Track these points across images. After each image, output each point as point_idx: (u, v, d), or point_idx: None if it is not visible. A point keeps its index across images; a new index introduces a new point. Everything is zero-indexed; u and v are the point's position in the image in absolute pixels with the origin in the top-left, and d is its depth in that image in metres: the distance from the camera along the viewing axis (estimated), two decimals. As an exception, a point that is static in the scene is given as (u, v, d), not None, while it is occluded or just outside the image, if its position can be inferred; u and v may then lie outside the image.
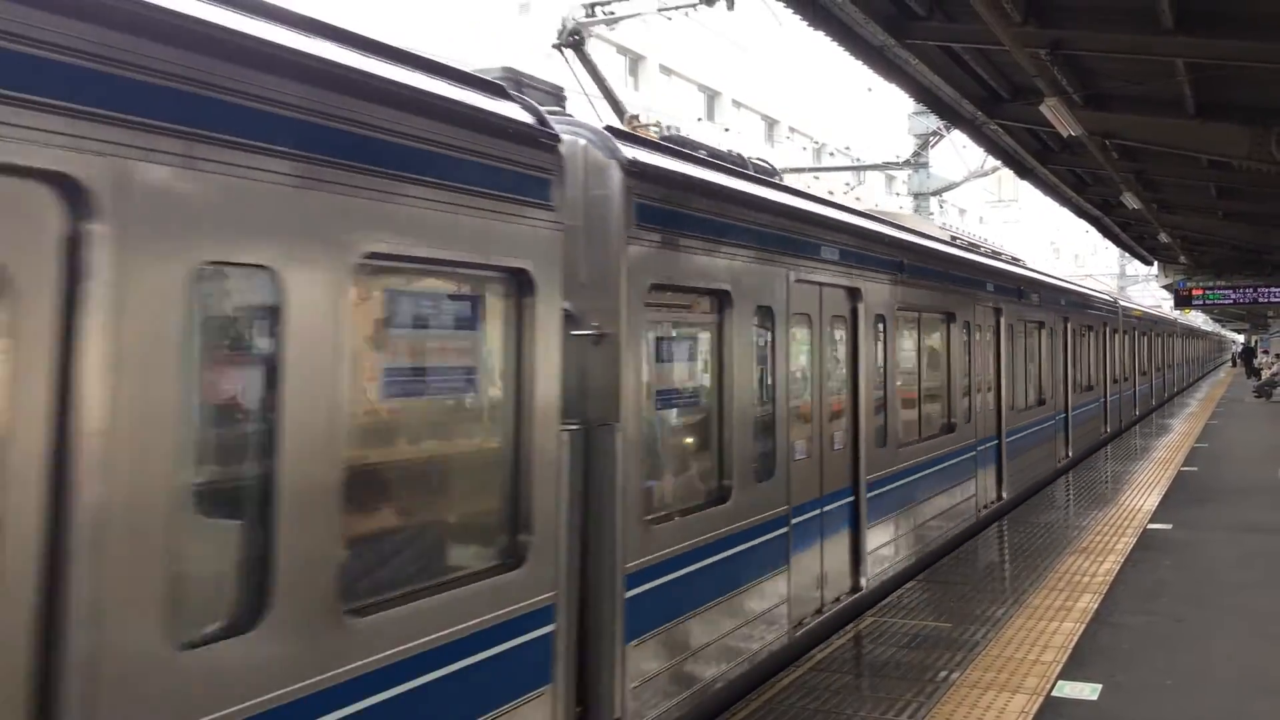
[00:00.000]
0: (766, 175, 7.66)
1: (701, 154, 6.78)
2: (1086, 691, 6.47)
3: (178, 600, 2.92)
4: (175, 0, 3.03)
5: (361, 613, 3.55)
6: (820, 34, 8.60)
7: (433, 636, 3.81)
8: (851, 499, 8.17)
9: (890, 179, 52.00)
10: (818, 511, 7.72)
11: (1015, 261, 15.38)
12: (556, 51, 11.53)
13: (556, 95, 5.79)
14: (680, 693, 5.70)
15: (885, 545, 8.98)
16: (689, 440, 6.45)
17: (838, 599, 8.12)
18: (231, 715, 3.04)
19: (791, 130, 50.61)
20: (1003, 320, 13.18)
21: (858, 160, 35.43)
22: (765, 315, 6.75)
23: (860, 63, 9.40)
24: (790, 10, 8.13)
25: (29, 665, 2.60)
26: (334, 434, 3.43)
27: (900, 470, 9.12)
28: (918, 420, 10.20)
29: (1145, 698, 6.44)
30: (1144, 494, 14.39)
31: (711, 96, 44.74)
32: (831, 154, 46.68)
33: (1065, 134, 10.62)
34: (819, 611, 7.75)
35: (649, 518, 5.45)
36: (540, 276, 4.46)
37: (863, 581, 8.52)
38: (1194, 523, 12.14)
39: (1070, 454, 17.36)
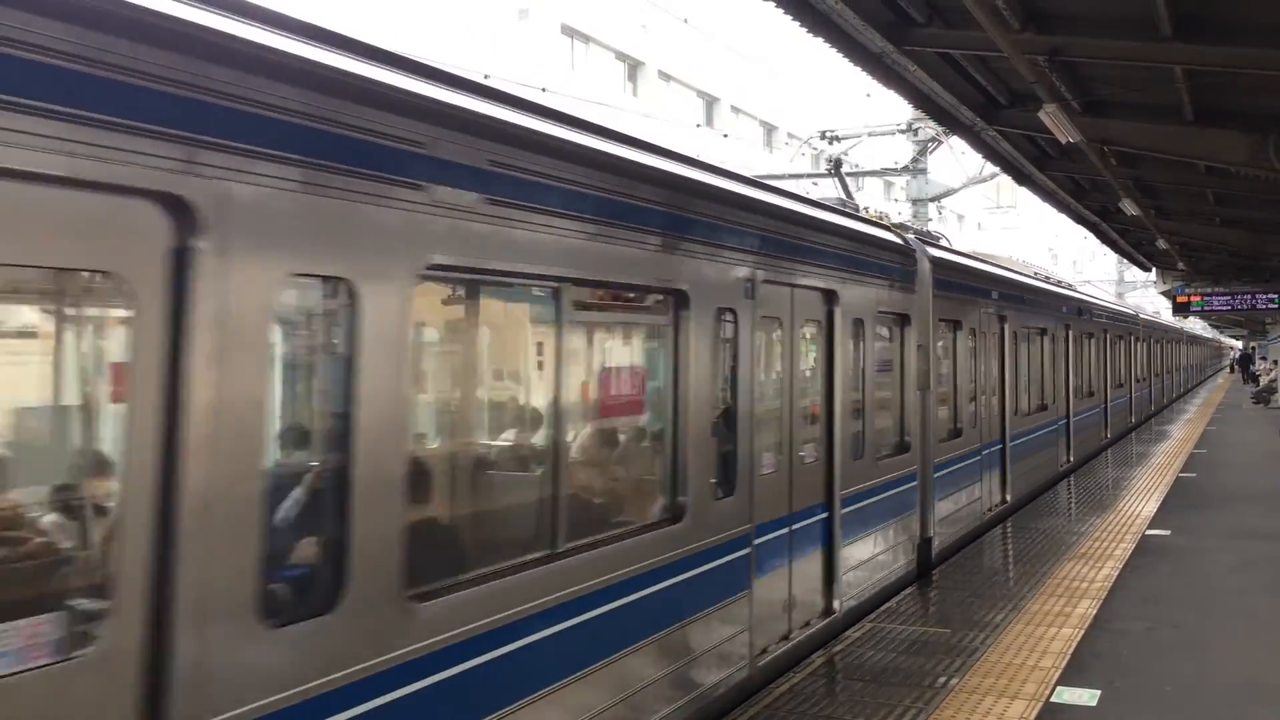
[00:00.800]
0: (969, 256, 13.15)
1: (944, 242, 13.14)
2: (1085, 698, 6.47)
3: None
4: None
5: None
6: (819, 40, 8.61)
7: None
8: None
9: (888, 185, 52.06)
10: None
11: (1063, 284, 21.58)
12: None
13: (902, 227, 11.88)
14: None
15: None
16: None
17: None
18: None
19: (790, 136, 50.65)
20: (1071, 332, 18.11)
21: (856, 167, 35.47)
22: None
23: (859, 69, 9.41)
24: (789, 17, 8.13)
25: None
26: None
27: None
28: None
29: (1144, 704, 6.44)
30: (1143, 500, 14.39)
31: (710, 102, 44.78)
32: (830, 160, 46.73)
33: (1064, 140, 10.63)
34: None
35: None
36: (913, 317, 9.96)
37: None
38: (1193, 529, 12.15)
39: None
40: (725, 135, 42.95)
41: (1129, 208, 15.43)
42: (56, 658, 2.77)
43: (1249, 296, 25.65)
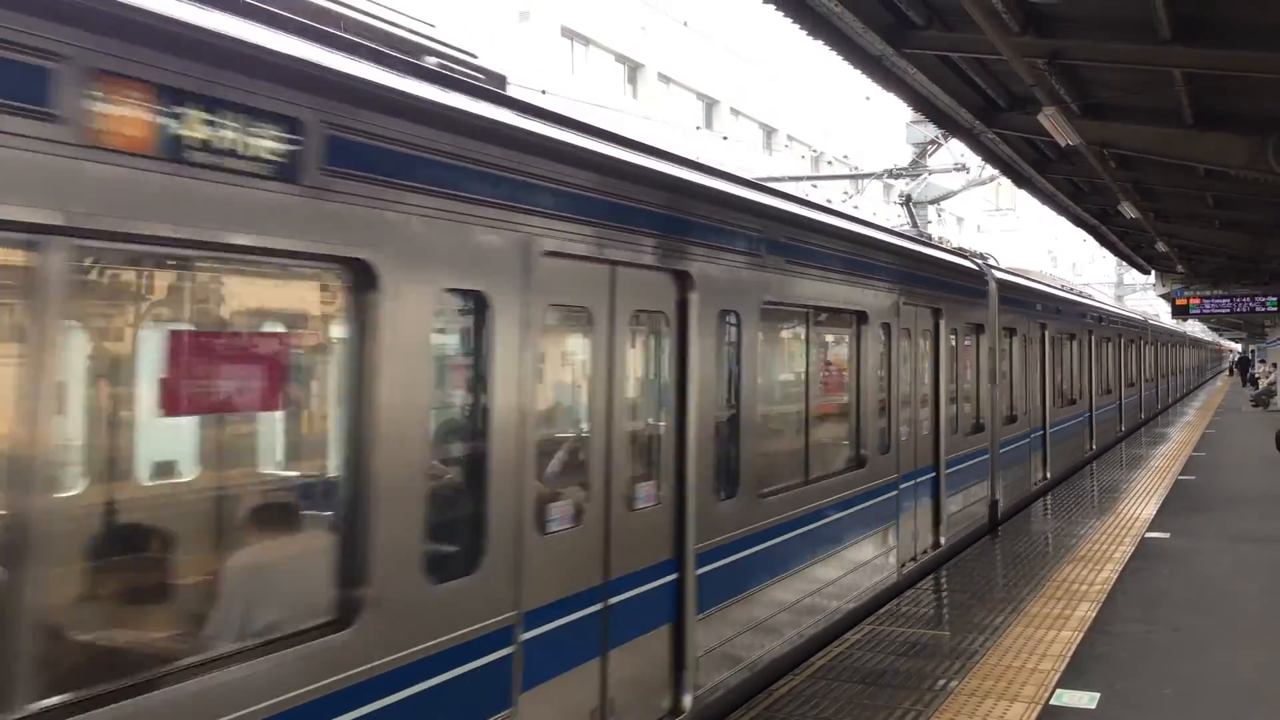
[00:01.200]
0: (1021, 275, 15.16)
1: (990, 260, 14.51)
2: (1085, 700, 6.47)
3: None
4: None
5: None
6: (819, 43, 8.61)
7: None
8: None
9: (888, 188, 52.07)
10: (911, 483, 9.64)
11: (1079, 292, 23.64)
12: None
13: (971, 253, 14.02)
14: None
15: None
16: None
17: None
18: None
19: (790, 139, 50.68)
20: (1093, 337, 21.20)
21: (855, 169, 35.48)
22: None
23: (859, 72, 9.42)
24: (789, 19, 8.13)
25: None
26: None
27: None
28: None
29: (1143, 706, 6.45)
30: (1142, 502, 14.40)
31: (710, 105, 44.80)
32: (829, 162, 46.80)
33: (1063, 143, 10.64)
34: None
35: None
36: (986, 326, 12.49)
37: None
38: (1192, 531, 12.16)
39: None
40: (725, 138, 42.98)
41: (1128, 210, 15.44)
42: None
43: (1248, 299, 25.67)
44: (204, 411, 3.80)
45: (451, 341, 4.58)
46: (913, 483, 9.84)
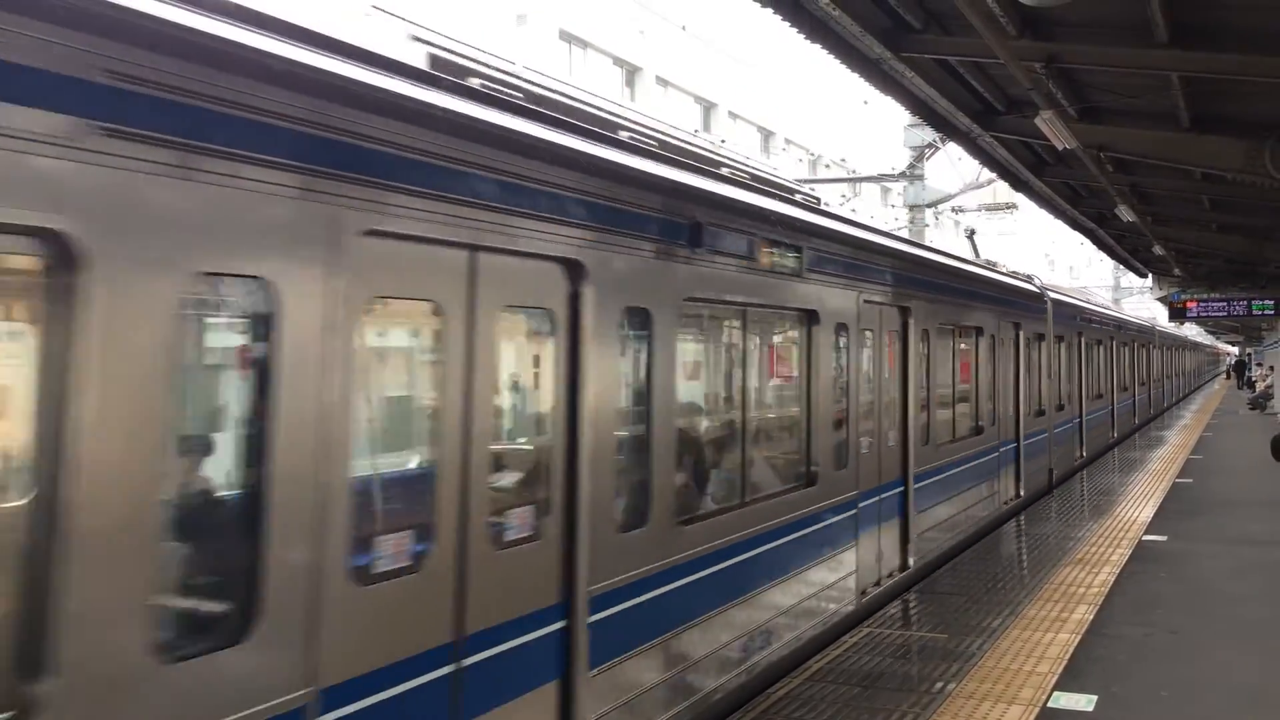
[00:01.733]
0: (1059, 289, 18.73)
1: (1037, 280, 17.24)
2: (1082, 703, 6.48)
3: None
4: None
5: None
6: (817, 46, 8.63)
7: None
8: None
9: (885, 191, 52.11)
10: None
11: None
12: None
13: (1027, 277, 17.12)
14: None
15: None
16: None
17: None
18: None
19: (787, 142, 50.72)
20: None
21: (853, 172, 35.51)
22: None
23: (856, 75, 9.44)
24: (788, 24, 8.15)
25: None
26: None
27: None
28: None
29: (1141, 709, 6.45)
30: (1139, 505, 14.42)
31: (708, 108, 44.84)
32: (827, 166, 46.83)
33: (1060, 147, 10.66)
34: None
35: None
36: (1046, 335, 16.37)
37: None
38: (1189, 534, 12.17)
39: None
40: (723, 141, 42.95)
41: (1125, 214, 15.47)
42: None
43: (1245, 303, 25.70)
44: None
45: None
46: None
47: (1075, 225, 20.86)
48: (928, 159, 25.38)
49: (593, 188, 5.12)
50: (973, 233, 21.72)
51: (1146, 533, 12.25)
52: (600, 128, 5.70)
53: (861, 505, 8.46)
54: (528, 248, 4.64)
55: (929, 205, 25.83)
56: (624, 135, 6.08)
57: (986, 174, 20.32)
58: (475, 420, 4.33)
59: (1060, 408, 17.54)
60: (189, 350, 3.44)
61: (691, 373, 6.72)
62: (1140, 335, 31.00)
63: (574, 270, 4.96)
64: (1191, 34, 7.81)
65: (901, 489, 9.53)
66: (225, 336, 3.77)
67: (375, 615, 3.83)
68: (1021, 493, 14.38)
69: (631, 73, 39.98)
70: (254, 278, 3.41)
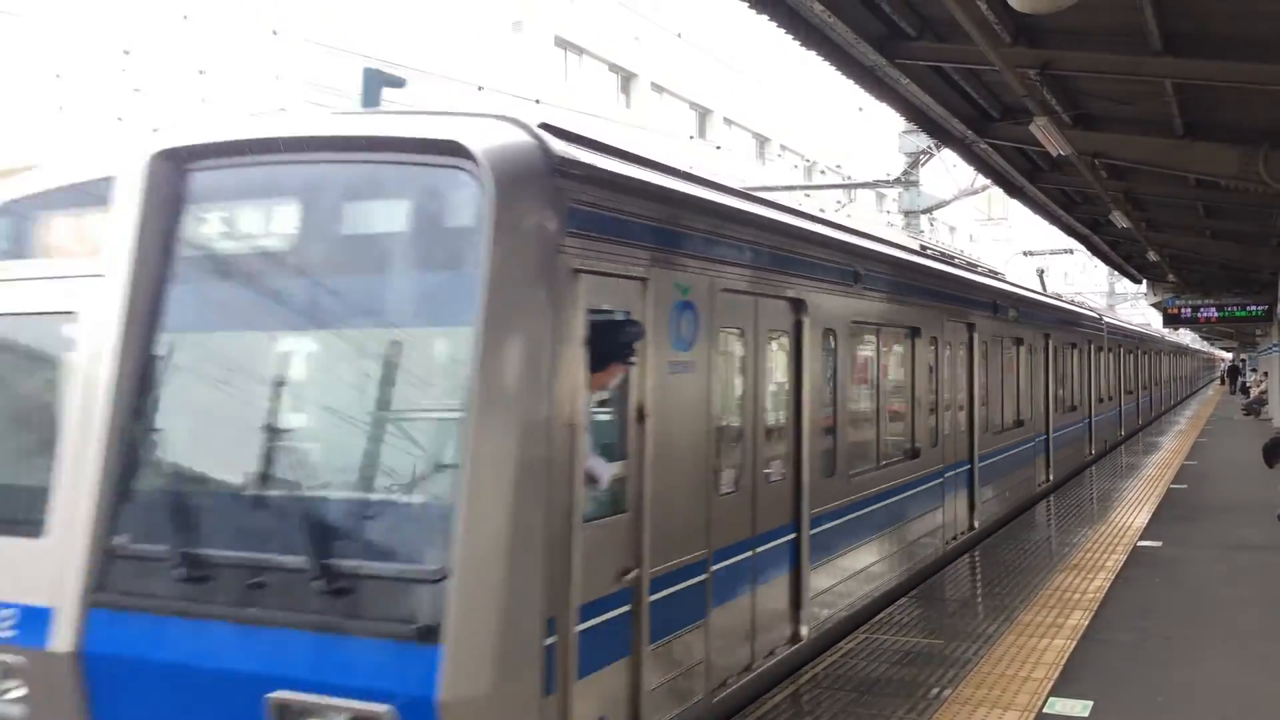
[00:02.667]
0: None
1: (1081, 302, 26.94)
2: (1078, 708, 6.48)
3: None
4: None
5: None
6: (812, 53, 8.66)
7: None
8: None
9: (881, 197, 52.18)
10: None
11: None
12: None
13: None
14: None
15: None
16: None
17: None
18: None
19: (782, 148, 50.79)
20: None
21: (848, 178, 35.52)
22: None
23: (852, 82, 9.47)
24: (783, 30, 8.18)
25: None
26: None
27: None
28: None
29: (1136, 714, 6.46)
30: (1134, 511, 14.44)
31: (703, 114, 44.90)
32: (822, 172, 46.86)
33: (1054, 153, 10.70)
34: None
35: None
36: (1102, 348, 22.44)
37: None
38: (1184, 540, 12.19)
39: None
40: (718, 147, 43.02)
41: (1119, 220, 15.53)
42: None
43: (1239, 308, 25.79)
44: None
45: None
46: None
47: (1069, 231, 20.94)
48: (923, 165, 25.43)
49: (1086, 323, 11.50)
50: (1042, 272, 28.64)
51: (1141, 538, 12.26)
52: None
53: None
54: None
55: (924, 211, 25.87)
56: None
57: (981, 180, 20.39)
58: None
59: (1103, 400, 22.98)
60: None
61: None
62: (1152, 344, 36.75)
63: (1089, 339, 12.57)
64: (1185, 42, 7.85)
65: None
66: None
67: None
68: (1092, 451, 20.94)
69: (627, 79, 40.04)
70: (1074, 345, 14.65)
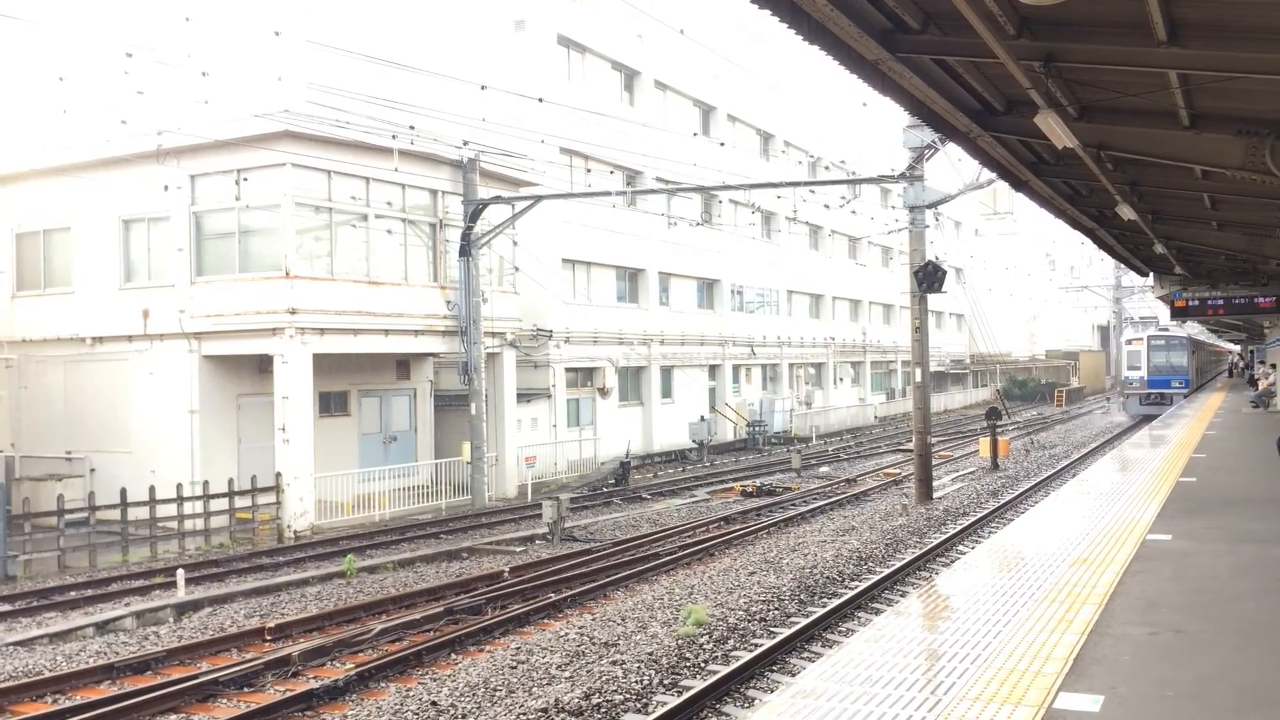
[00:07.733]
0: None
1: (1160, 322, 37.96)
2: (1088, 703, 6.45)
3: None
4: None
5: None
6: (816, 48, 8.62)
7: None
8: None
9: (885, 192, 52.11)
10: None
11: None
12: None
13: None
14: None
15: None
16: None
17: None
18: None
19: (787, 144, 50.74)
20: None
21: (853, 174, 35.42)
22: None
23: (855, 77, 9.42)
24: (785, 25, 8.14)
25: None
26: None
27: None
28: None
29: (1147, 709, 6.43)
30: (1144, 505, 14.39)
31: (707, 112, 44.85)
32: (827, 168, 46.80)
33: (1059, 146, 10.64)
34: None
35: None
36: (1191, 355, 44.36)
37: None
38: (1193, 533, 12.14)
39: None
40: (722, 144, 42.97)
41: (1125, 213, 15.45)
42: None
43: (1247, 300, 25.70)
44: None
45: None
46: None
47: (1075, 225, 20.84)
48: (927, 160, 25.37)
49: (1196, 349, 24.74)
50: (1105, 330, 32.85)
51: (1151, 532, 12.22)
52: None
53: None
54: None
55: (929, 206, 25.81)
56: None
57: (986, 174, 20.31)
58: None
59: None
60: None
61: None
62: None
63: (1195, 350, 24.77)
64: (1190, 32, 7.80)
65: None
66: None
67: None
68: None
69: (630, 77, 39.98)
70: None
